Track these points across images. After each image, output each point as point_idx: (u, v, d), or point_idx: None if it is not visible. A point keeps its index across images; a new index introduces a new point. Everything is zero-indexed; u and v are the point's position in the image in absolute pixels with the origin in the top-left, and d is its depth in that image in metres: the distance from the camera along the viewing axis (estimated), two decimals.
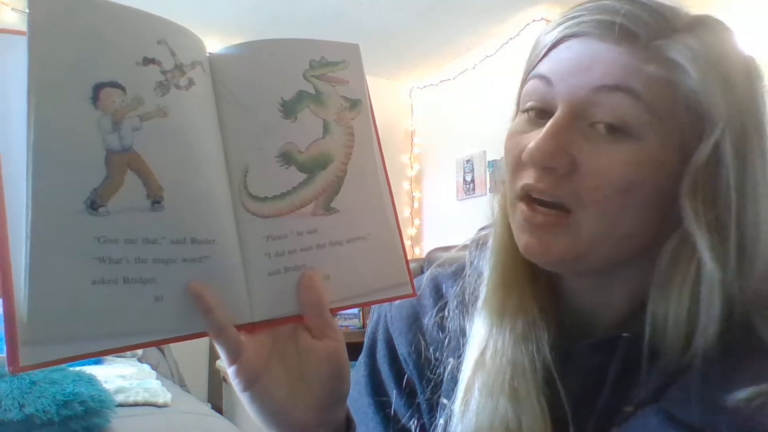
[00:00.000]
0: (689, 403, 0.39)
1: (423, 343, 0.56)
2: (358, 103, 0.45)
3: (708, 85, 0.40)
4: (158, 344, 0.39)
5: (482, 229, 0.58)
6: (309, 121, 0.43)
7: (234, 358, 0.41)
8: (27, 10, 0.35)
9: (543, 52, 0.46)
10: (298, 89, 0.43)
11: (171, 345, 2.20)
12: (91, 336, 0.36)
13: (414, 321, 0.57)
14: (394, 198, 0.46)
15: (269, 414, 0.43)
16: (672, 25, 0.42)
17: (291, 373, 0.43)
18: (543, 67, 0.45)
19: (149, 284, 0.38)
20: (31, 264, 0.34)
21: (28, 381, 1.30)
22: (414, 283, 0.46)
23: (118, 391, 1.63)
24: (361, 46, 0.45)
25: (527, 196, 0.45)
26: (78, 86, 0.36)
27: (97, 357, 0.37)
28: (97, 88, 0.37)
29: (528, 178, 0.44)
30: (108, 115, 0.37)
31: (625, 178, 0.41)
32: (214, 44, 0.41)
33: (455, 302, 0.55)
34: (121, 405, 1.55)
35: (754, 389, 0.37)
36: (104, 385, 1.49)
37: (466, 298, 0.54)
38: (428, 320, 0.56)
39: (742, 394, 0.37)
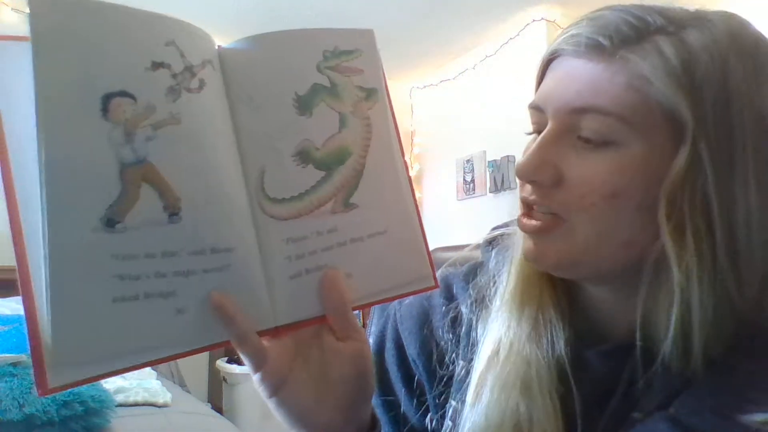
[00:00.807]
0: (700, 411, 0.39)
1: (432, 343, 0.55)
2: (374, 93, 0.43)
3: (673, 92, 0.39)
4: (183, 356, 0.38)
5: (495, 228, 0.58)
6: (325, 115, 0.41)
7: (259, 365, 0.40)
8: (27, 24, 0.34)
9: (540, 74, 0.48)
10: (312, 83, 0.41)
11: None
12: (116, 354, 0.36)
13: (424, 321, 0.57)
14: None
15: (296, 416, 0.42)
16: (646, 28, 0.41)
17: (316, 375, 0.43)
18: (537, 95, 0.47)
19: (170, 297, 0.37)
20: (51, 287, 0.34)
21: (28, 381, 1.30)
22: (436, 274, 0.45)
23: (118, 391, 1.64)
24: None
25: (526, 206, 0.46)
26: (86, 99, 0.35)
27: (123, 373, 0.37)
28: (106, 98, 0.35)
29: (525, 191, 0.46)
30: (119, 126, 0.35)
31: (609, 185, 0.41)
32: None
33: (467, 303, 0.54)
34: (121, 405, 1.55)
35: None
36: (104, 385, 1.49)
37: (479, 299, 0.54)
38: (438, 320, 0.56)
39: (758, 417, 0.37)
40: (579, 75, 0.43)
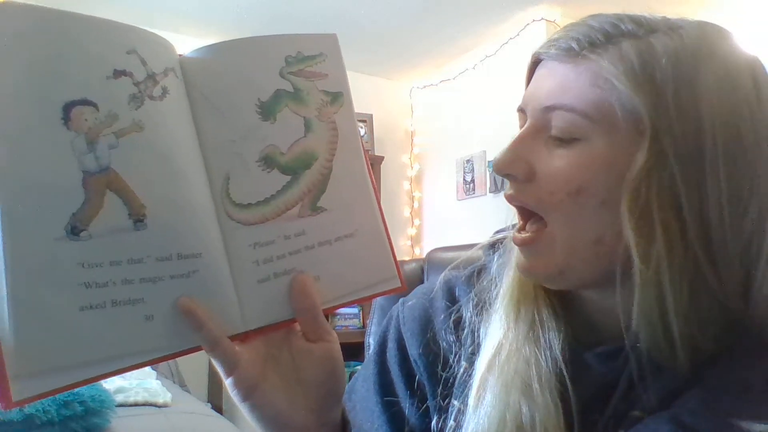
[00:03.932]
0: (700, 412, 0.40)
1: (434, 345, 0.56)
2: (339, 96, 0.44)
3: (631, 91, 0.40)
4: (154, 363, 0.39)
5: (497, 232, 0.58)
6: (289, 120, 0.42)
7: (231, 370, 0.41)
8: None
9: (527, 79, 0.50)
10: (275, 88, 0.42)
11: None
12: (84, 363, 0.36)
13: (426, 323, 0.57)
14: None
15: (269, 419, 0.43)
16: (615, 33, 0.42)
17: (287, 378, 0.43)
18: (522, 98, 0.49)
19: (138, 304, 0.37)
20: (13, 296, 0.33)
21: None
22: (402, 275, 0.46)
23: (118, 391, 1.64)
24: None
25: (519, 217, 0.48)
26: (47, 107, 0.35)
27: (92, 383, 0.37)
28: (68, 107, 0.35)
29: (506, 188, 0.48)
30: (81, 134, 0.35)
31: (574, 180, 0.42)
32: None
33: (470, 306, 0.55)
34: (121, 405, 1.55)
35: None
36: (104, 385, 1.49)
37: (481, 302, 0.54)
38: (441, 322, 0.56)
39: (758, 427, 0.37)
40: (550, 75, 0.45)
